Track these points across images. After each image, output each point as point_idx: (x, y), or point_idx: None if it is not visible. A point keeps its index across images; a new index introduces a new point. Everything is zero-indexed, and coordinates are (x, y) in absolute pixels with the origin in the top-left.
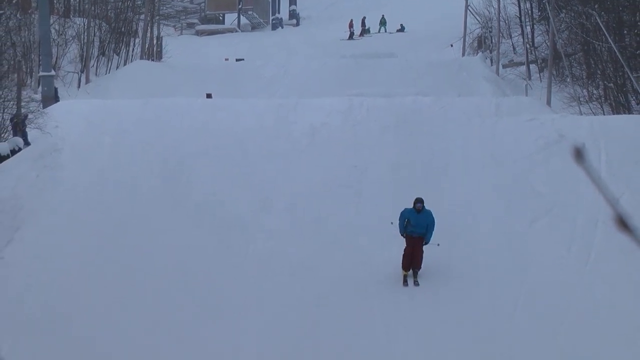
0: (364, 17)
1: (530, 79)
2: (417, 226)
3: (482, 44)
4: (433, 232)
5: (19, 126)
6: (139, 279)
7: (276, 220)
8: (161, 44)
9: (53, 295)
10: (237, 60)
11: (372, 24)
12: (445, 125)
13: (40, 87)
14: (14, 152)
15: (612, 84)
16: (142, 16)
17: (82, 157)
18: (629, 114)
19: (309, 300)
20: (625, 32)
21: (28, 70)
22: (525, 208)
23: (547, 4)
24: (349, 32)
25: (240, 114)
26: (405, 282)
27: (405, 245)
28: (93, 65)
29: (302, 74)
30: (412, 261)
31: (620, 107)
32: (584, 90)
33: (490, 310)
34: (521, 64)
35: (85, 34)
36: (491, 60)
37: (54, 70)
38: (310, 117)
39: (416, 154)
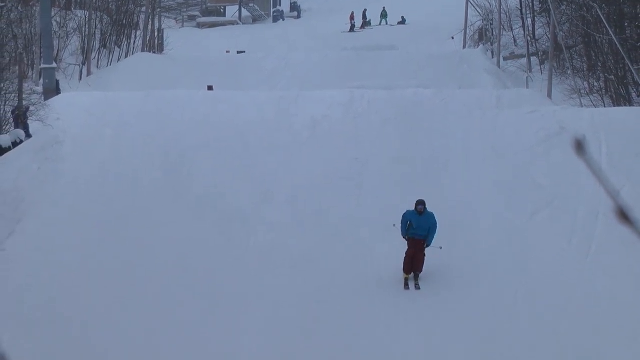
0: (365, 10)
1: (531, 71)
2: (418, 228)
3: (483, 36)
4: (435, 235)
5: (20, 118)
6: (140, 271)
7: (277, 212)
8: (162, 36)
9: (54, 287)
10: (238, 52)
11: (373, 16)
12: (446, 117)
13: (41, 79)
14: (15, 144)
15: (613, 76)
16: (144, 8)
17: (84, 149)
18: (630, 106)
19: (309, 296)
20: (626, 24)
21: (29, 62)
22: (526, 200)
23: None
24: (350, 25)
25: (241, 107)
26: (406, 286)
27: (407, 248)
28: (94, 58)
29: (303, 67)
30: (413, 264)
31: (621, 99)
32: (585, 83)
33: (490, 303)
34: (522, 56)
35: (87, 26)
36: (492, 52)
37: (56, 63)
38: (311, 110)
39: (417, 146)
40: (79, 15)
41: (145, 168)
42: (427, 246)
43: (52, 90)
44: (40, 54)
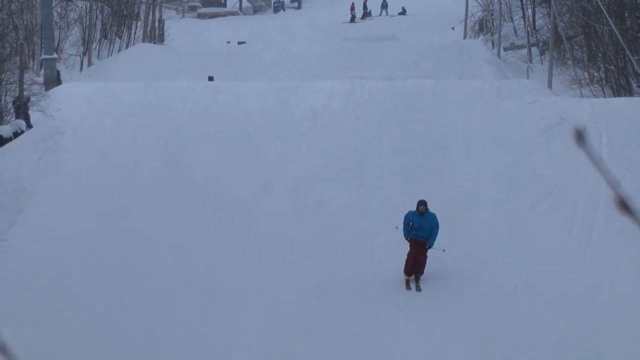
0: (366, 0)
1: (531, 61)
2: (420, 229)
3: (484, 26)
4: (437, 236)
5: (21, 109)
6: (141, 261)
7: (278, 203)
8: (163, 26)
9: (55, 277)
10: (238, 43)
11: (374, 7)
12: (447, 108)
13: (42, 70)
14: (16, 134)
15: (613, 67)
16: None
17: (84, 139)
18: (630, 96)
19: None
20: (626, 14)
21: (30, 53)
22: (526, 191)
23: None
24: (350, 15)
25: (241, 97)
26: (407, 286)
27: (409, 249)
28: (95, 48)
29: (303, 57)
30: (414, 266)
31: (621, 89)
32: (585, 73)
33: (491, 297)
34: (522, 46)
35: (88, 16)
36: (492, 43)
37: (56, 53)
38: (312, 100)
39: (417, 137)
40: (80, 5)
41: (145, 158)
42: (430, 247)
43: (53, 80)
44: (41, 44)
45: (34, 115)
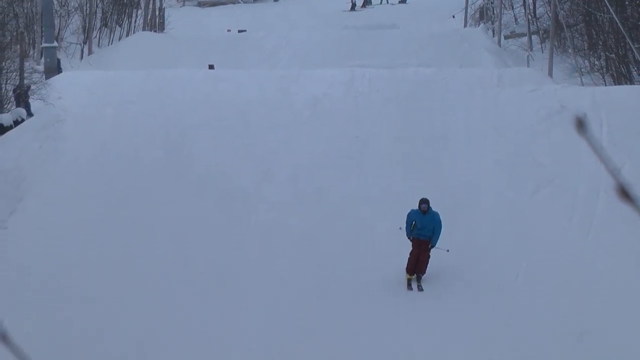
0: None
1: (532, 50)
2: (423, 228)
3: (484, 15)
4: (440, 235)
5: (21, 97)
6: (141, 250)
7: (278, 191)
8: (163, 15)
9: (55, 266)
10: (239, 31)
11: None
12: (447, 96)
13: (42, 58)
14: (16, 123)
15: (613, 55)
16: None
17: (85, 128)
18: (631, 84)
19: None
20: (626, 2)
21: (30, 41)
22: (526, 179)
23: None
24: (351, 4)
25: (242, 85)
26: (409, 286)
27: (411, 248)
28: (95, 37)
29: (304, 45)
30: (416, 265)
31: (622, 77)
32: (586, 61)
33: (491, 279)
34: (523, 35)
35: (88, 5)
36: (493, 31)
37: (57, 42)
38: (312, 89)
39: (418, 125)
40: None
41: (146, 147)
42: (432, 247)
43: (54, 69)
44: (42, 32)
45: (34, 104)
